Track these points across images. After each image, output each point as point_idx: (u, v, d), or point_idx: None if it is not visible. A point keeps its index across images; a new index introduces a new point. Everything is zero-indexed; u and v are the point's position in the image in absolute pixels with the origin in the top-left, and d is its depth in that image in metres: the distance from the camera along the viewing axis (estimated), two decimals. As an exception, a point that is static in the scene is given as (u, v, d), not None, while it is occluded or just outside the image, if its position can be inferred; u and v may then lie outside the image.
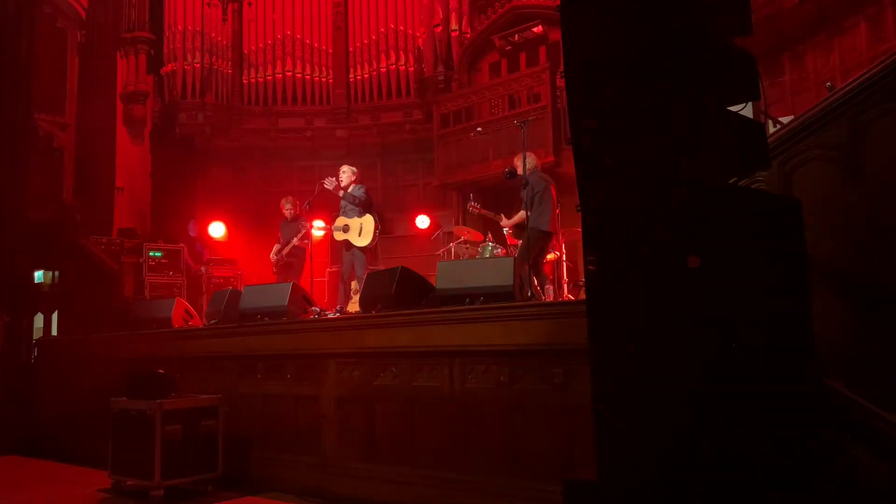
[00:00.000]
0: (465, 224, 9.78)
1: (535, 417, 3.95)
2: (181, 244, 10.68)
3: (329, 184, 7.75)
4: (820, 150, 3.53)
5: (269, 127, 12.94)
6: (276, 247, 8.52)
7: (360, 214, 7.70)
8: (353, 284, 8.07)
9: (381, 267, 7.46)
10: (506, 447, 4.04)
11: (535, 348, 3.96)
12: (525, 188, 6.80)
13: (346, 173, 7.87)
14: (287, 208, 8.68)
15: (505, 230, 7.93)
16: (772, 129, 4.69)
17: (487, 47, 11.81)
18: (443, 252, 9.16)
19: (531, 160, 7.09)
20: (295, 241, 8.33)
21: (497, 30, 11.47)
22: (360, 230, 7.62)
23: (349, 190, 7.80)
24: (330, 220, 8.13)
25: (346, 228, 7.62)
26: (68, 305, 8.12)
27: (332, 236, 8.18)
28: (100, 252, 9.37)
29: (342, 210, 7.80)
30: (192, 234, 11.01)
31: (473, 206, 8.21)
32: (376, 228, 7.66)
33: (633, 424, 2.44)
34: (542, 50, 11.06)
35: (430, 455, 4.38)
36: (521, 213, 7.06)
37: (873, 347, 3.24)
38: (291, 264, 8.43)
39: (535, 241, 6.77)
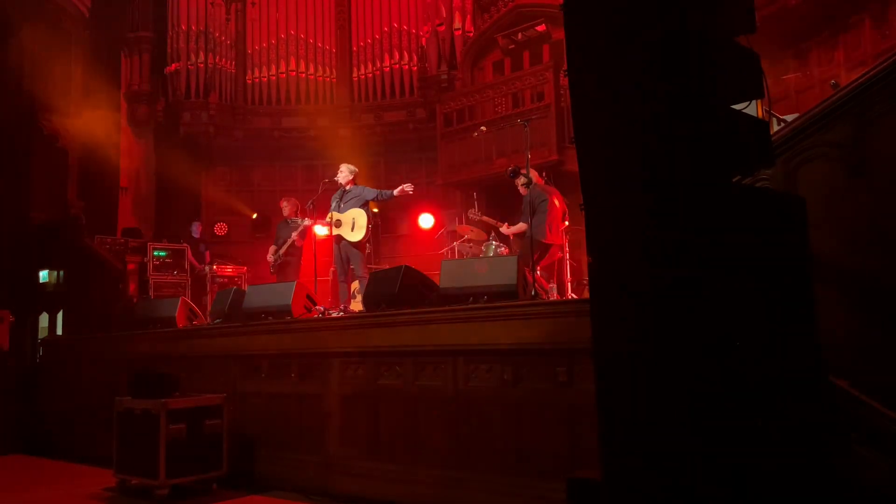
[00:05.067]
0: (468, 223, 9.77)
1: (539, 416, 3.95)
2: (185, 244, 10.69)
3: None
4: (824, 149, 3.53)
5: (273, 126, 12.94)
6: (272, 247, 8.51)
7: (358, 206, 7.63)
8: (355, 285, 8.06)
9: (385, 266, 7.44)
10: (510, 446, 4.04)
11: (538, 347, 3.96)
12: (528, 188, 6.77)
13: (344, 172, 7.86)
14: (286, 209, 8.67)
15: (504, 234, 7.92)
16: (776, 128, 4.68)
17: (491, 46, 11.78)
18: (446, 251, 9.15)
19: (531, 176, 7.05)
20: (294, 235, 8.32)
21: (500, 28, 11.45)
22: (353, 224, 7.55)
23: (348, 188, 7.77)
24: (333, 220, 8.14)
25: (337, 223, 7.59)
26: (73, 305, 8.14)
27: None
28: (104, 252, 9.39)
29: (336, 206, 7.72)
30: (195, 235, 11.01)
31: (475, 213, 8.17)
32: (369, 222, 7.60)
33: (637, 423, 2.44)
34: (546, 48, 11.03)
35: (434, 454, 4.38)
36: (521, 225, 7.03)
37: (878, 346, 3.24)
38: (289, 263, 8.42)
39: (532, 251, 6.74)
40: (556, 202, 6.95)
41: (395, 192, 7.54)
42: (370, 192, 7.76)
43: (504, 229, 7.58)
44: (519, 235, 7.24)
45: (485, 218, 8.00)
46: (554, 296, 6.90)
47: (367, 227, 7.55)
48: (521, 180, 6.85)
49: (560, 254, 7.45)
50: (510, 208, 7.92)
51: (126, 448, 5.19)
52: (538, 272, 6.79)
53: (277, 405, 5.38)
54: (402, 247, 12.05)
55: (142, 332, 6.71)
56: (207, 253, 10.93)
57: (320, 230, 8.20)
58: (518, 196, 7.35)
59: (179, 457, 4.93)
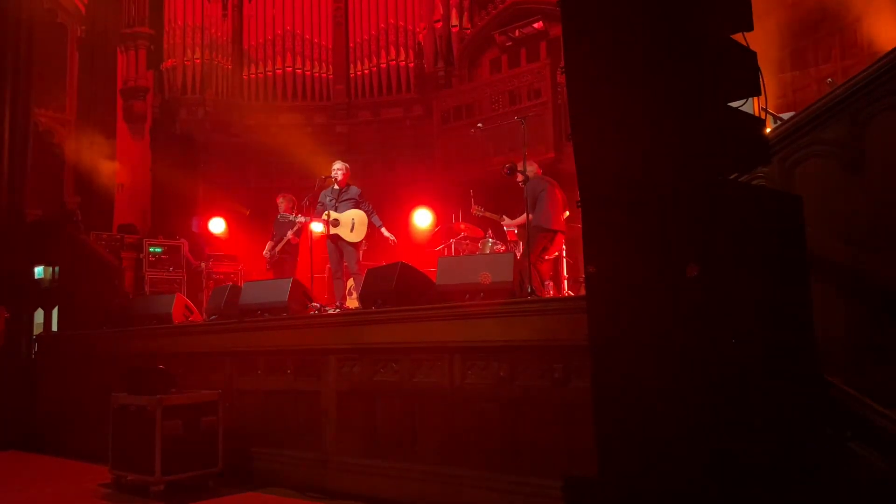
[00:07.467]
0: (465, 220, 9.76)
1: (535, 413, 3.95)
2: (181, 240, 10.66)
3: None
4: (821, 147, 3.53)
5: (269, 122, 12.90)
6: (269, 244, 8.50)
7: (353, 208, 7.63)
8: (351, 282, 8.05)
9: (381, 263, 7.43)
10: (506, 443, 4.05)
11: (535, 344, 3.96)
12: (525, 184, 6.78)
13: (340, 168, 7.84)
14: (282, 205, 8.65)
15: (506, 228, 7.91)
16: (773, 125, 4.69)
17: (488, 43, 11.78)
18: (443, 248, 9.15)
19: (531, 168, 7.05)
20: (290, 234, 8.31)
21: (497, 25, 11.45)
22: (353, 226, 7.55)
23: (344, 187, 7.75)
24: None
25: (335, 223, 7.57)
26: (68, 301, 8.12)
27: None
28: (100, 248, 9.37)
29: (331, 204, 7.70)
30: (195, 229, 10.96)
31: (477, 209, 8.17)
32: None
33: (633, 420, 2.44)
34: (543, 46, 11.03)
35: (431, 451, 4.38)
36: (523, 217, 7.05)
37: (873, 343, 3.25)
38: (285, 259, 8.40)
39: (537, 240, 6.75)
40: (556, 192, 6.98)
41: (384, 229, 7.61)
42: (366, 204, 7.73)
43: (505, 222, 7.59)
44: (524, 226, 7.26)
45: (487, 213, 8.01)
46: (551, 292, 6.90)
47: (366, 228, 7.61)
48: (519, 177, 6.86)
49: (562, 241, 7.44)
50: (507, 205, 7.92)
51: (122, 444, 5.18)
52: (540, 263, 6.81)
53: (273, 402, 5.37)
54: (398, 244, 12.03)
55: (137, 328, 6.69)
56: (207, 247, 10.88)
57: (317, 227, 8.18)
58: (515, 192, 7.36)
59: (175, 453, 4.92)
